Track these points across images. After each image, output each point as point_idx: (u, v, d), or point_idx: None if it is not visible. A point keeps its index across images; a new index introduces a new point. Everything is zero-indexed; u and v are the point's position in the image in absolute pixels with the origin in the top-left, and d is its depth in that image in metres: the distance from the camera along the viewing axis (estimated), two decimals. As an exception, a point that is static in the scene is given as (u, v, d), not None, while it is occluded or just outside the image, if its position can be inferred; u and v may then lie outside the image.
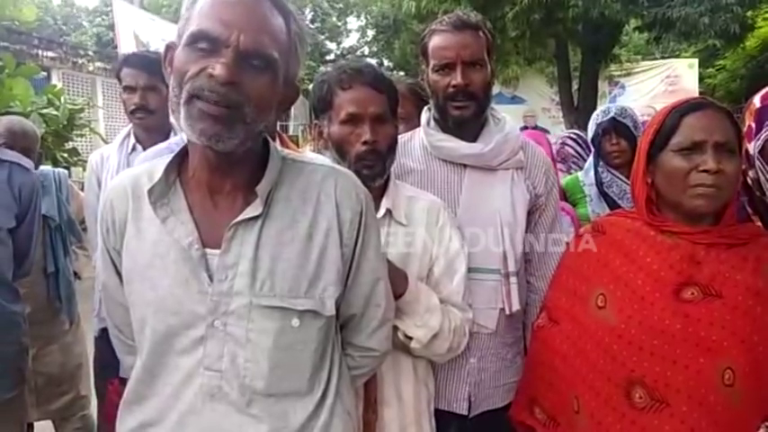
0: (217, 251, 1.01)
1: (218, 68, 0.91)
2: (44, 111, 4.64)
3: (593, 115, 2.59)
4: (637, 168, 1.35)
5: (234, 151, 0.97)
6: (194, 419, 1.01)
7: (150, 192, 1.02)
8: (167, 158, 1.05)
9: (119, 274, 1.10)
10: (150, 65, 2.20)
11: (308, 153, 1.49)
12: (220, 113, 0.93)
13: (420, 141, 1.68)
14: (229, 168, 1.02)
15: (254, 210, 1.00)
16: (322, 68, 1.45)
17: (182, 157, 1.06)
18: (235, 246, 1.00)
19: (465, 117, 1.57)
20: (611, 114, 2.44)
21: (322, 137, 1.46)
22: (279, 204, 1.04)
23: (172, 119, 2.35)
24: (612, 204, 2.36)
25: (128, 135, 2.31)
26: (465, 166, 1.61)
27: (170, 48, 1.02)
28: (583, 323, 1.32)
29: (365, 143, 1.35)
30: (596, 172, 2.49)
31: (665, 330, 1.21)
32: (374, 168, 1.37)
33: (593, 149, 2.58)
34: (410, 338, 1.35)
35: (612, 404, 1.23)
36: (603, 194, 2.44)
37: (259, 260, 1.00)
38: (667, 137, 1.28)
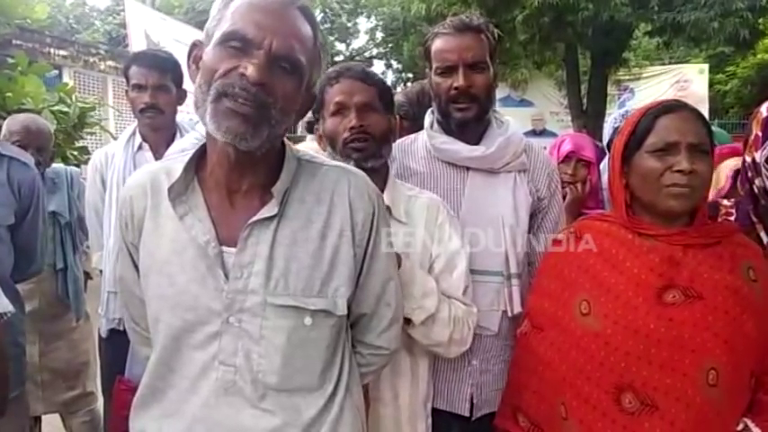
0: (233, 249, 1.03)
1: (250, 69, 0.94)
2: (55, 108, 4.67)
3: (611, 118, 2.54)
4: (612, 171, 1.36)
5: (255, 151, 0.99)
6: (209, 413, 1.03)
7: (170, 189, 1.04)
8: (186, 156, 1.07)
9: (136, 268, 1.12)
10: (161, 64, 2.18)
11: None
12: (248, 113, 0.95)
13: (423, 143, 1.68)
14: (248, 168, 1.04)
15: (269, 210, 1.02)
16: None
17: (200, 155, 1.08)
18: (250, 245, 1.02)
19: (467, 119, 1.58)
20: None
21: (321, 140, 1.48)
22: (294, 205, 1.05)
23: (178, 118, 2.36)
24: None
25: (133, 133, 2.27)
26: (468, 168, 1.62)
27: (196, 46, 1.04)
28: (567, 329, 1.32)
29: (351, 128, 1.37)
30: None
31: (650, 334, 1.21)
32: (364, 151, 1.38)
33: (607, 153, 2.50)
34: (409, 322, 1.35)
35: (602, 410, 1.23)
36: None
37: (274, 259, 1.02)
38: (641, 138, 1.29)
